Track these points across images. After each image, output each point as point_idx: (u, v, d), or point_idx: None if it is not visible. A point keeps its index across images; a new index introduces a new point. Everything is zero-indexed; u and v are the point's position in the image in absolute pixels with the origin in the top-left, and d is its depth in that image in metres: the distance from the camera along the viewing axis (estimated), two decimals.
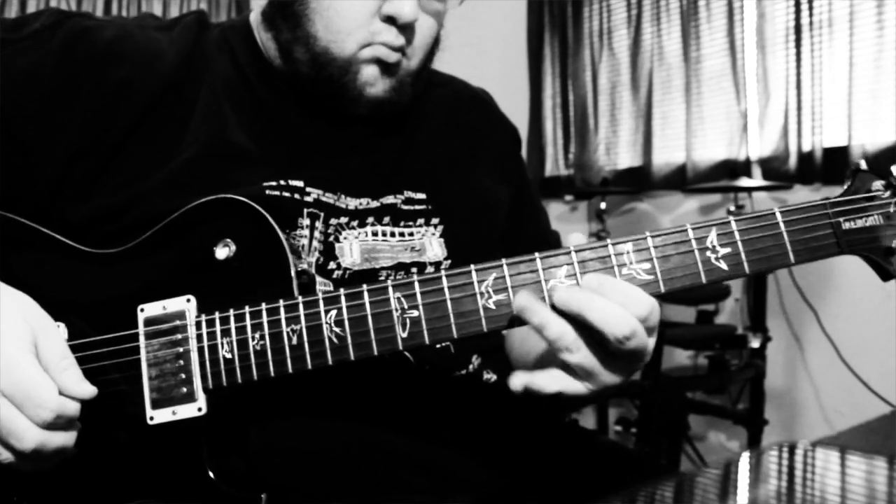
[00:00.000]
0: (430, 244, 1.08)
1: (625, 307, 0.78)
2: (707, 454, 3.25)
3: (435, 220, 1.09)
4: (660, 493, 0.61)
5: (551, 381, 0.83)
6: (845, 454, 0.65)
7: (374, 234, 1.04)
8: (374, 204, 1.06)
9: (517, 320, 0.82)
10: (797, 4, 3.04)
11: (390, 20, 1.00)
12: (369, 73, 1.02)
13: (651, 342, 0.82)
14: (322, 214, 1.01)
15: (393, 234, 1.05)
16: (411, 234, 1.07)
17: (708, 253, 0.82)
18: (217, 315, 0.86)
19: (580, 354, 0.80)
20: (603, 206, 3.59)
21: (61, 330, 0.88)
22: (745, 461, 0.69)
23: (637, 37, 3.63)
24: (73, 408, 0.82)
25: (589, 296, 0.79)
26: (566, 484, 1.05)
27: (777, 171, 3.08)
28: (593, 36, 3.85)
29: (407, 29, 1.02)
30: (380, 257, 1.03)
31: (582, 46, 3.89)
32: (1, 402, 0.79)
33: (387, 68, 1.03)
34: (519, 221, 1.20)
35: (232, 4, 3.68)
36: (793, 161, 3.04)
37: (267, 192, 0.98)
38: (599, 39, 3.82)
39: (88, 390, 0.83)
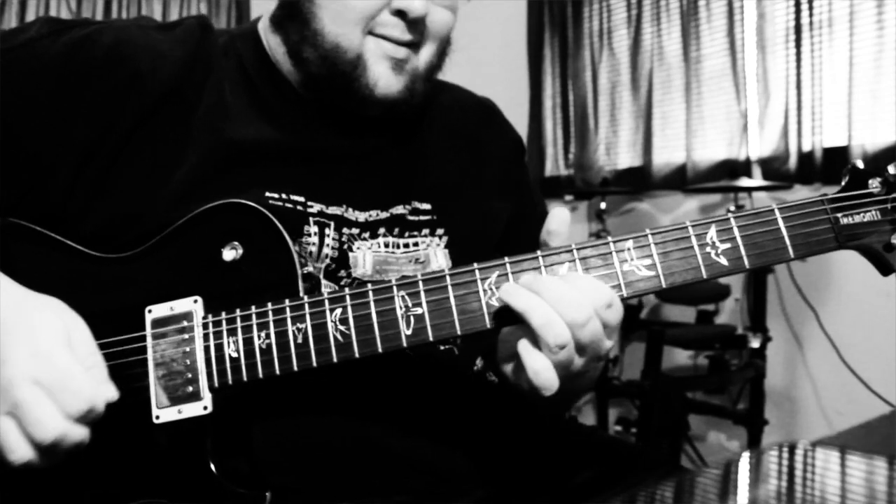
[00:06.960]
0: (435, 255, 1.06)
1: (557, 306, 0.79)
2: (707, 454, 3.25)
3: (440, 231, 1.07)
4: (660, 493, 0.61)
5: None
6: (845, 454, 0.66)
7: (387, 245, 1.03)
8: (384, 214, 1.05)
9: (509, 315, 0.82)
10: (797, 4, 3.04)
11: (400, 14, 0.98)
12: (379, 70, 0.99)
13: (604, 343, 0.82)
14: (332, 223, 1.01)
15: (398, 246, 1.04)
16: (416, 245, 1.05)
17: (708, 248, 0.83)
18: (223, 315, 0.87)
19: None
20: (603, 206, 3.59)
21: None
22: (745, 461, 0.69)
23: (637, 37, 3.64)
24: (102, 404, 0.81)
25: (531, 294, 0.80)
26: (568, 481, 1.06)
27: (777, 171, 3.09)
28: (593, 36, 3.85)
29: (418, 24, 0.99)
30: (390, 270, 1.03)
31: (582, 46, 3.89)
32: (31, 388, 0.78)
33: (397, 64, 1.00)
34: (519, 227, 1.17)
35: (232, 5, 3.68)
36: (793, 161, 3.05)
37: (270, 202, 0.97)
38: (599, 39, 3.82)
39: (109, 392, 0.82)
